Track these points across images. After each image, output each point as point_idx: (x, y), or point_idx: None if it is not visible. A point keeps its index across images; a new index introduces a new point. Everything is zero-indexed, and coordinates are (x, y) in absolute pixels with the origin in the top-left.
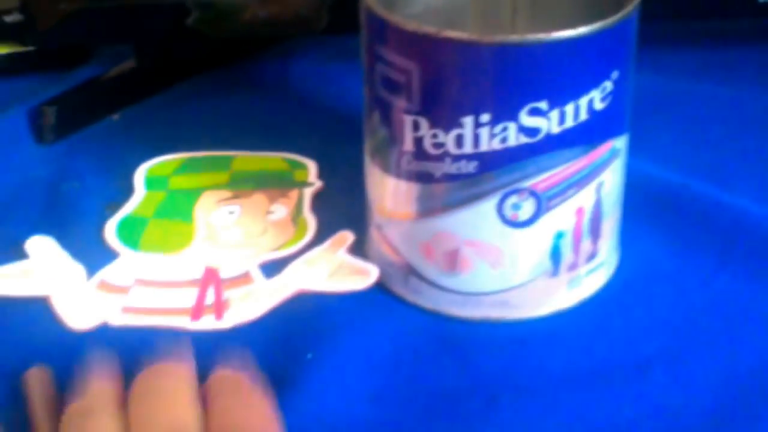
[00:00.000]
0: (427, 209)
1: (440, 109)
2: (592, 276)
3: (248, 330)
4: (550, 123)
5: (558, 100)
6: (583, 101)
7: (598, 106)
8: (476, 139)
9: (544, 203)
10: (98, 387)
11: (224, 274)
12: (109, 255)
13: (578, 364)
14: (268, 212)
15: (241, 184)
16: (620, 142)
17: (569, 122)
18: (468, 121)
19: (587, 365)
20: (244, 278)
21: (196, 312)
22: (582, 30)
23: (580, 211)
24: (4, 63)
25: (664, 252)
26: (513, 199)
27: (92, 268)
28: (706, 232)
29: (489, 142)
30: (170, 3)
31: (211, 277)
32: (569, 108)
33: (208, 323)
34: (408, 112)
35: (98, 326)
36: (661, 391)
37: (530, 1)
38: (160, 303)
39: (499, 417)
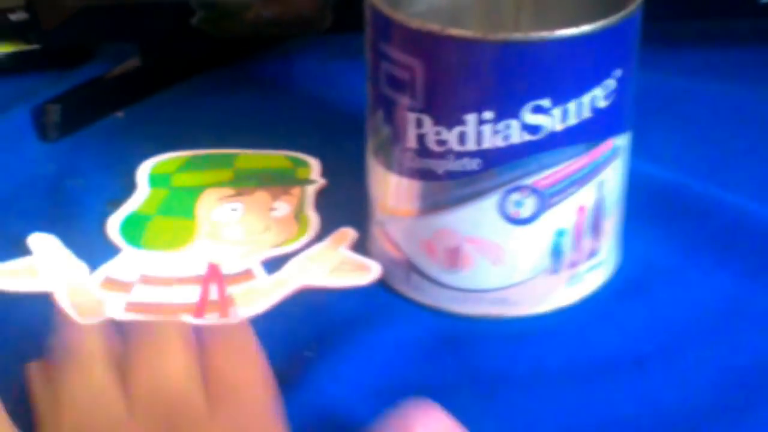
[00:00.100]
0: (429, 206)
1: (443, 106)
2: (592, 273)
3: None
4: (552, 120)
5: (561, 97)
6: (586, 99)
7: (601, 104)
8: (479, 136)
9: (545, 200)
10: (91, 341)
11: (227, 270)
12: (112, 252)
13: (578, 360)
14: (271, 209)
15: (244, 182)
16: (622, 141)
17: (572, 120)
18: (471, 118)
19: (587, 362)
20: (246, 275)
21: (200, 308)
22: (585, 28)
23: (581, 209)
24: (9, 61)
25: (664, 250)
26: (515, 196)
27: (95, 265)
28: (707, 231)
29: (492, 140)
30: (174, 2)
31: (213, 273)
32: (572, 106)
33: (211, 320)
34: (411, 109)
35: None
36: (660, 387)
37: None
38: (163, 300)
39: (499, 412)
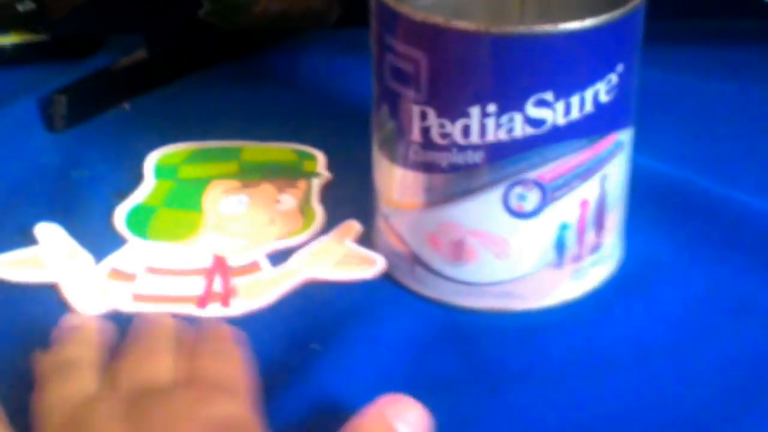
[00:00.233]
0: (434, 199)
1: (447, 99)
2: (596, 268)
3: (255, 318)
4: (555, 114)
5: (564, 91)
6: (589, 93)
7: (604, 98)
8: (483, 129)
9: (549, 194)
10: (79, 340)
11: (232, 262)
12: (118, 243)
13: (581, 354)
14: (277, 202)
15: (250, 174)
16: (625, 135)
17: (575, 114)
18: (475, 111)
19: (590, 356)
20: (251, 267)
21: (204, 300)
22: (588, 22)
23: (584, 203)
24: (16, 52)
25: (667, 245)
26: (518, 190)
27: (101, 256)
28: (710, 226)
29: (495, 133)
30: None
31: (219, 265)
32: (575, 99)
33: (215, 311)
34: (416, 102)
35: (107, 313)
36: (663, 381)
37: None
38: (168, 291)
39: (502, 406)
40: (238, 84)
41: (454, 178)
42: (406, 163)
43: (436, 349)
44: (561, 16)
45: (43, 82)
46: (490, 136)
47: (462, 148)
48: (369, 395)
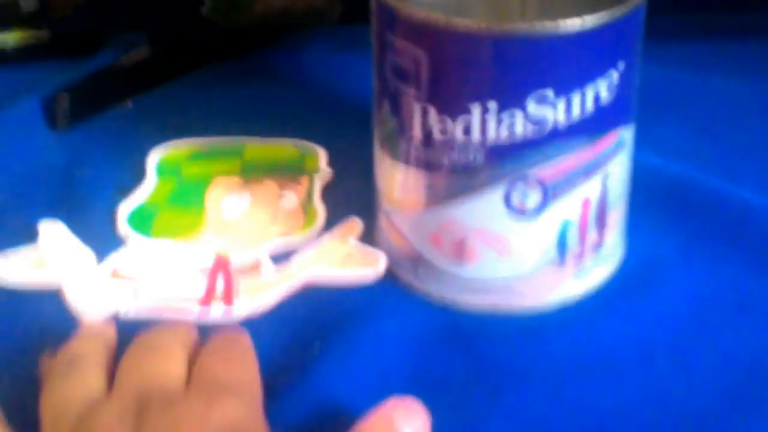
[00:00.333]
0: (435, 198)
1: (448, 97)
2: (598, 266)
3: (258, 317)
4: (556, 112)
5: (565, 89)
6: (590, 91)
7: (605, 96)
8: (484, 127)
9: (550, 193)
10: (85, 340)
11: (234, 261)
12: (120, 242)
13: (584, 352)
14: (279, 200)
15: (253, 172)
16: (626, 133)
17: (576, 112)
18: (476, 109)
19: (593, 354)
20: (254, 266)
21: (206, 299)
22: (589, 20)
23: (586, 202)
24: (19, 50)
25: (669, 243)
26: (520, 188)
27: (103, 255)
28: (712, 224)
29: (496, 131)
30: None
31: (221, 264)
32: (576, 98)
33: (217, 310)
34: (417, 100)
35: (109, 313)
36: (666, 380)
37: None
38: (170, 290)
39: (505, 405)
40: (240, 81)
41: (455, 176)
42: (408, 162)
43: (438, 347)
44: (562, 14)
45: (46, 81)
46: (491, 135)
47: (463, 147)
48: (371, 394)
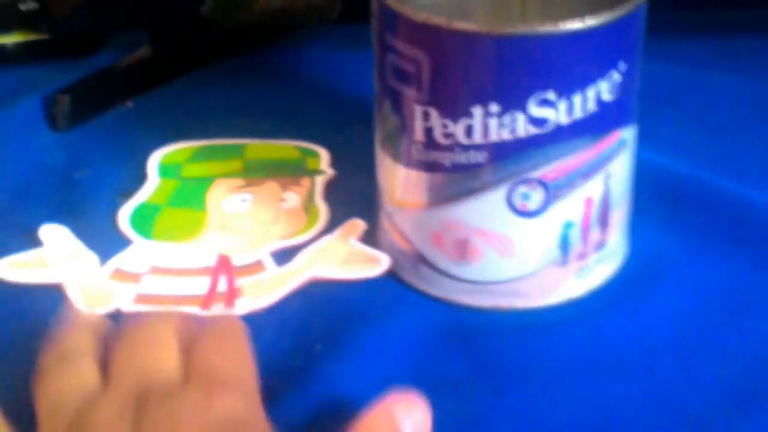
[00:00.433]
0: (437, 198)
1: (450, 99)
2: (601, 265)
3: (260, 317)
4: (558, 113)
5: (566, 90)
6: (591, 92)
7: (606, 96)
8: (485, 129)
9: (552, 193)
10: (78, 332)
11: (236, 262)
12: (122, 243)
13: (587, 351)
14: (281, 200)
15: (254, 172)
16: (628, 133)
17: (577, 112)
18: (477, 111)
19: (596, 353)
20: (256, 266)
21: (208, 300)
22: (590, 22)
23: (588, 201)
24: (19, 51)
25: (672, 241)
26: (522, 189)
27: (105, 256)
28: (714, 222)
29: (498, 132)
30: None
31: (223, 265)
32: (577, 98)
33: (220, 311)
34: (418, 102)
35: (111, 314)
36: (669, 378)
37: None
38: (172, 291)
39: (508, 404)
40: (240, 81)
41: (457, 177)
42: (409, 163)
43: (440, 347)
44: (562, 15)
45: (46, 82)
46: (493, 136)
47: (465, 148)
48: (374, 394)
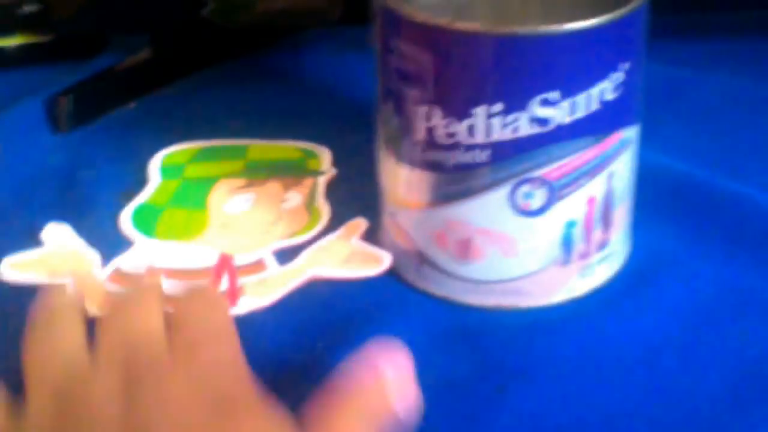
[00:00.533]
0: (440, 198)
1: (452, 99)
2: (603, 265)
3: (262, 316)
4: (561, 113)
5: (569, 90)
6: (594, 92)
7: (609, 96)
8: (488, 129)
9: (555, 192)
10: (66, 298)
11: (238, 261)
12: (125, 243)
13: (589, 351)
14: (282, 200)
15: (256, 173)
16: (631, 133)
17: (580, 112)
18: (480, 111)
19: (598, 352)
20: (257, 265)
21: None
22: (592, 21)
23: (591, 201)
24: (21, 52)
25: (674, 241)
26: (525, 188)
27: (107, 256)
28: (717, 222)
29: (501, 132)
30: None
31: (225, 264)
32: (580, 98)
33: None
34: (420, 102)
35: None
36: (671, 378)
37: None
38: (174, 291)
39: (511, 403)
40: (242, 82)
41: (460, 177)
42: (412, 162)
43: (443, 347)
44: (564, 14)
45: (48, 83)
46: (496, 136)
47: (467, 148)
48: None
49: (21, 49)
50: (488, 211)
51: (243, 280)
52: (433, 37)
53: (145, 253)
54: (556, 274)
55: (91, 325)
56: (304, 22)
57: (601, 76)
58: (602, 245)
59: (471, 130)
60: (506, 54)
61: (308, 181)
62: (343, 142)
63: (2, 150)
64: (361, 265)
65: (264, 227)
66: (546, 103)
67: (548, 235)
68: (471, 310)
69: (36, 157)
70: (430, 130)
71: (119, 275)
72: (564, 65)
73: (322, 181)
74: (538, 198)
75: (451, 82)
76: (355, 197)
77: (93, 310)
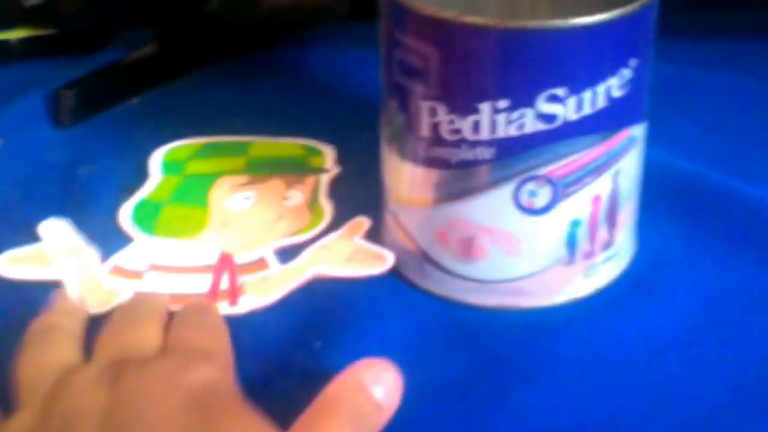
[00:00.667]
0: (443, 196)
1: (458, 94)
2: (608, 265)
3: (263, 315)
4: (567, 110)
5: (576, 86)
6: (601, 88)
7: (616, 93)
8: (493, 125)
9: (560, 191)
10: (61, 310)
11: (239, 259)
12: (124, 239)
13: (593, 351)
14: (284, 198)
15: (258, 170)
16: (638, 131)
17: (587, 109)
18: (485, 107)
19: (602, 353)
20: (259, 264)
21: (211, 298)
22: (601, 17)
23: (596, 199)
24: (24, 46)
25: (680, 241)
26: (529, 186)
27: (107, 253)
28: (723, 222)
29: (506, 129)
30: None
31: (226, 262)
32: (587, 95)
33: (222, 309)
34: (425, 97)
35: (112, 311)
36: (675, 379)
37: None
38: (174, 288)
39: (513, 404)
40: (246, 79)
41: (463, 174)
42: (416, 159)
43: (445, 346)
44: (573, 10)
45: (51, 78)
46: (501, 132)
47: (472, 144)
48: None
49: (24, 42)
50: (492, 209)
51: (244, 279)
52: (439, 31)
53: (145, 250)
54: (559, 274)
55: (91, 324)
56: (310, 19)
57: (610, 72)
58: (607, 245)
59: (475, 126)
60: (513, 49)
61: (311, 179)
62: (348, 140)
63: (3, 143)
64: (363, 264)
65: (265, 225)
66: (553, 99)
67: (552, 234)
68: (473, 310)
69: (37, 152)
70: (434, 126)
71: (121, 271)
72: (572, 61)
73: (325, 179)
74: (543, 196)
75: (457, 77)
76: (358, 196)
77: (91, 307)
